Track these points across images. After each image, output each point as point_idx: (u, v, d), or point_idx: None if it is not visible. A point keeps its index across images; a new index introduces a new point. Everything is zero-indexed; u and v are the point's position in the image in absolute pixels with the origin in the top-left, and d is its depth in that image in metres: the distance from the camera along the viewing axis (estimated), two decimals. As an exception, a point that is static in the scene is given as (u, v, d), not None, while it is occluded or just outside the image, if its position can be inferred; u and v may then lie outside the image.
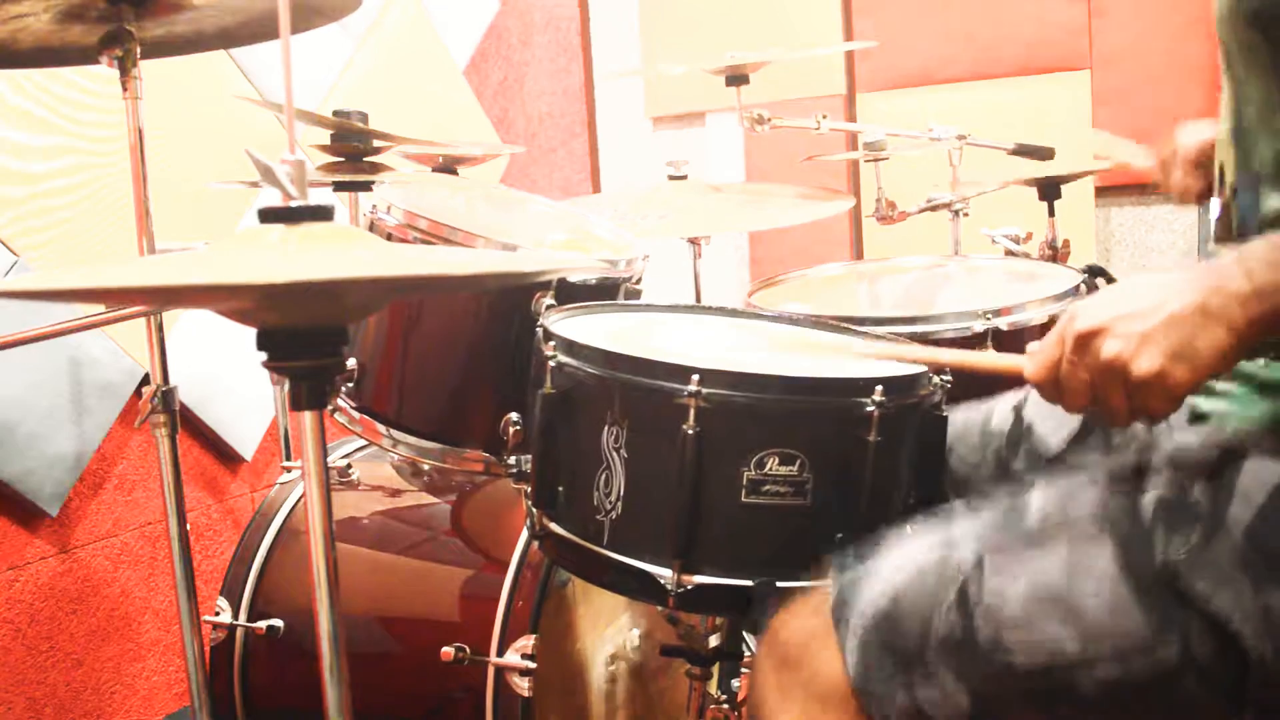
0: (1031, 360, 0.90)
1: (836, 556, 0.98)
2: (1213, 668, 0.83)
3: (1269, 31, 0.91)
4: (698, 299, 2.11)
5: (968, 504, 0.95)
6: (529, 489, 1.19)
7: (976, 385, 1.41)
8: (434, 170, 1.93)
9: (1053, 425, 1.17)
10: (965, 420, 1.23)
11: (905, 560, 0.92)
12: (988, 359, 1.02)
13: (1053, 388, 0.89)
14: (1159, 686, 0.84)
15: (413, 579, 1.59)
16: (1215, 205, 1.04)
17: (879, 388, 1.02)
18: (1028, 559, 0.87)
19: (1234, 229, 0.98)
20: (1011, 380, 0.94)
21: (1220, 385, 0.98)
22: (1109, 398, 0.85)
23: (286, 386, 0.86)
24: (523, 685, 1.38)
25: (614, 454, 1.06)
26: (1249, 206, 0.96)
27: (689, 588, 1.04)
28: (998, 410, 1.22)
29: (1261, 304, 0.81)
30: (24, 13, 1.32)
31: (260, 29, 1.48)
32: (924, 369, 1.10)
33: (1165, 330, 0.82)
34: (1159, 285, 0.84)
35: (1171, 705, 0.85)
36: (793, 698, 0.91)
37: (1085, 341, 0.85)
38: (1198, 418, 0.98)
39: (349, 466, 1.71)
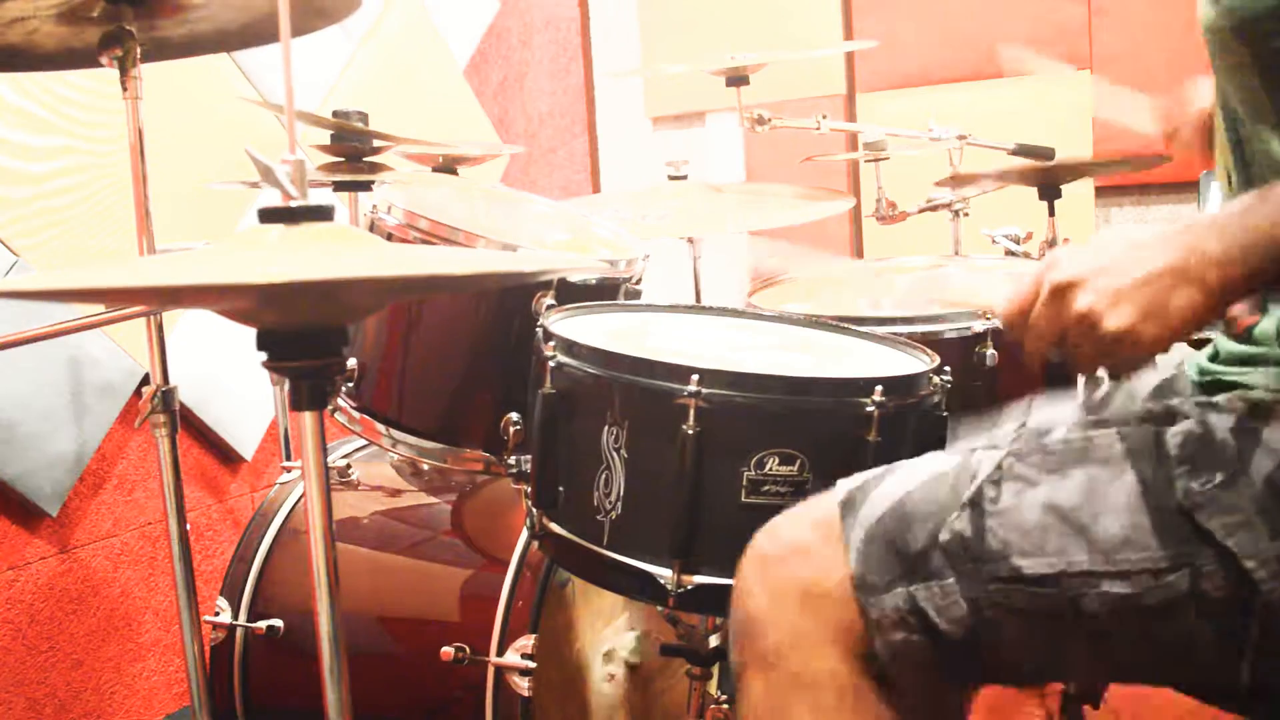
0: (1007, 301, 0.93)
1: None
2: (1219, 604, 0.83)
3: (1254, 45, 0.91)
4: (698, 299, 2.11)
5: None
6: (529, 489, 1.19)
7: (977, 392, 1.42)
8: (434, 170, 1.92)
9: None
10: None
11: (922, 465, 0.93)
12: (964, 297, 1.04)
13: (1022, 329, 0.92)
14: (1162, 614, 0.84)
15: (413, 579, 1.59)
16: (1215, 188, 1.04)
17: (879, 388, 1.02)
18: (1047, 472, 0.88)
19: None
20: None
21: (1253, 351, 0.98)
22: (1079, 346, 0.88)
23: (286, 386, 0.86)
24: (523, 685, 1.38)
25: (614, 454, 1.06)
26: None
27: (689, 588, 1.04)
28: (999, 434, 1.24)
29: (1234, 268, 0.83)
30: (24, 13, 1.32)
31: (261, 30, 1.48)
32: (925, 369, 1.10)
33: (1139, 288, 0.85)
34: (1137, 243, 0.87)
35: (1171, 638, 0.86)
36: (783, 594, 0.90)
37: (1060, 292, 0.88)
38: (1226, 387, 0.98)
39: (349, 466, 1.71)
